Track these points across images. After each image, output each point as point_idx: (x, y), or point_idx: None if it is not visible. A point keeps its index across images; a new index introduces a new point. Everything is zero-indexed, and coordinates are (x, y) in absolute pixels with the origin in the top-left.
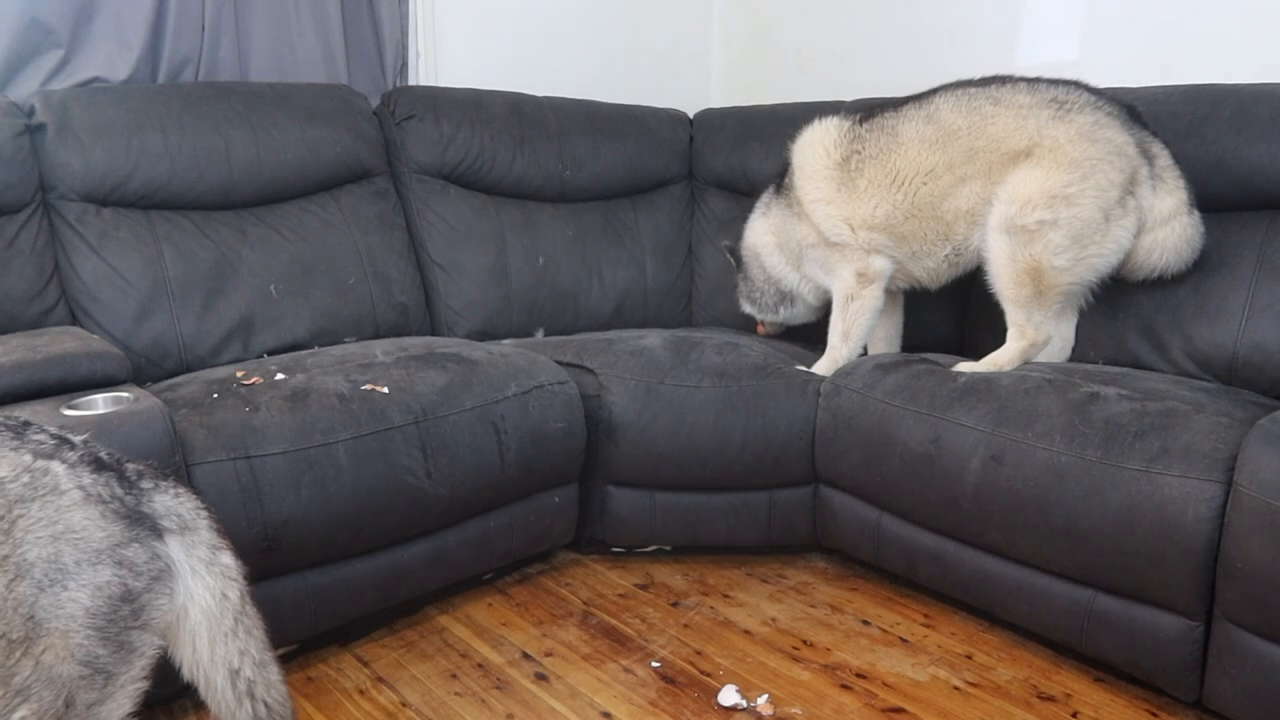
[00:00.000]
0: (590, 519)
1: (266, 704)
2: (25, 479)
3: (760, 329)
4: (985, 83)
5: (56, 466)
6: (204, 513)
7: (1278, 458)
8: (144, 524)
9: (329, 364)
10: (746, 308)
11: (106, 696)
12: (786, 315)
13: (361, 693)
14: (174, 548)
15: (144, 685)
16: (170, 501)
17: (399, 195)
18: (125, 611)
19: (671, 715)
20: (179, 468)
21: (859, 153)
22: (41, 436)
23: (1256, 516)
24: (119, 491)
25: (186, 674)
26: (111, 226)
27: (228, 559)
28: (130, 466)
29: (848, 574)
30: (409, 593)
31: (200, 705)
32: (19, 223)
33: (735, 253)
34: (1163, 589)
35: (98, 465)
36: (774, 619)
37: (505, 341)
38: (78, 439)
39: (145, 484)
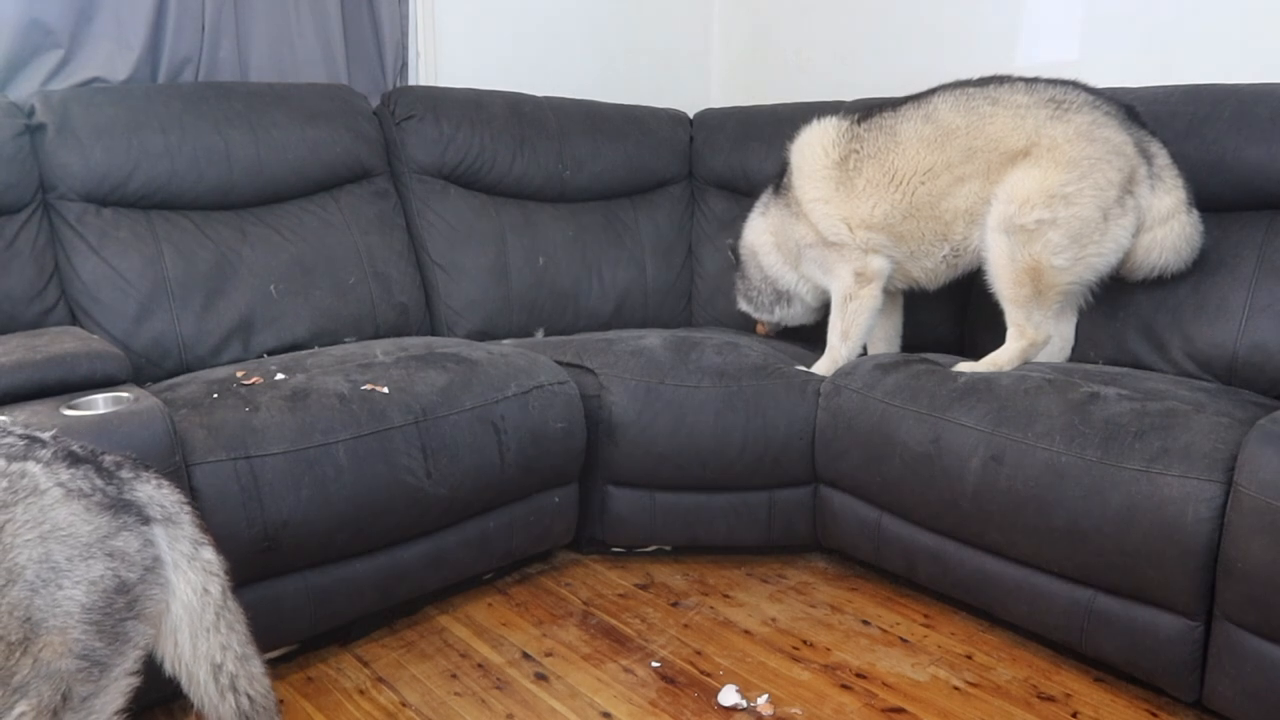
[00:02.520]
0: (590, 519)
1: (250, 697)
2: (3, 484)
3: (760, 329)
4: (983, 83)
5: (32, 467)
6: (186, 506)
7: (1278, 458)
8: (130, 511)
9: (329, 364)
10: (743, 305)
11: (101, 689)
12: (782, 315)
13: (361, 693)
14: (159, 537)
15: (135, 680)
16: (153, 491)
17: (399, 195)
18: (120, 603)
19: (671, 715)
20: (179, 468)
21: (857, 152)
22: (10, 439)
23: (1256, 516)
24: (99, 483)
25: (169, 669)
26: (111, 226)
27: (209, 554)
28: (107, 458)
29: (848, 574)
30: (409, 593)
31: None
32: (19, 223)
33: (736, 251)
34: (1163, 589)
35: (73, 459)
36: (774, 619)
37: (505, 341)
38: (47, 435)
39: (125, 474)
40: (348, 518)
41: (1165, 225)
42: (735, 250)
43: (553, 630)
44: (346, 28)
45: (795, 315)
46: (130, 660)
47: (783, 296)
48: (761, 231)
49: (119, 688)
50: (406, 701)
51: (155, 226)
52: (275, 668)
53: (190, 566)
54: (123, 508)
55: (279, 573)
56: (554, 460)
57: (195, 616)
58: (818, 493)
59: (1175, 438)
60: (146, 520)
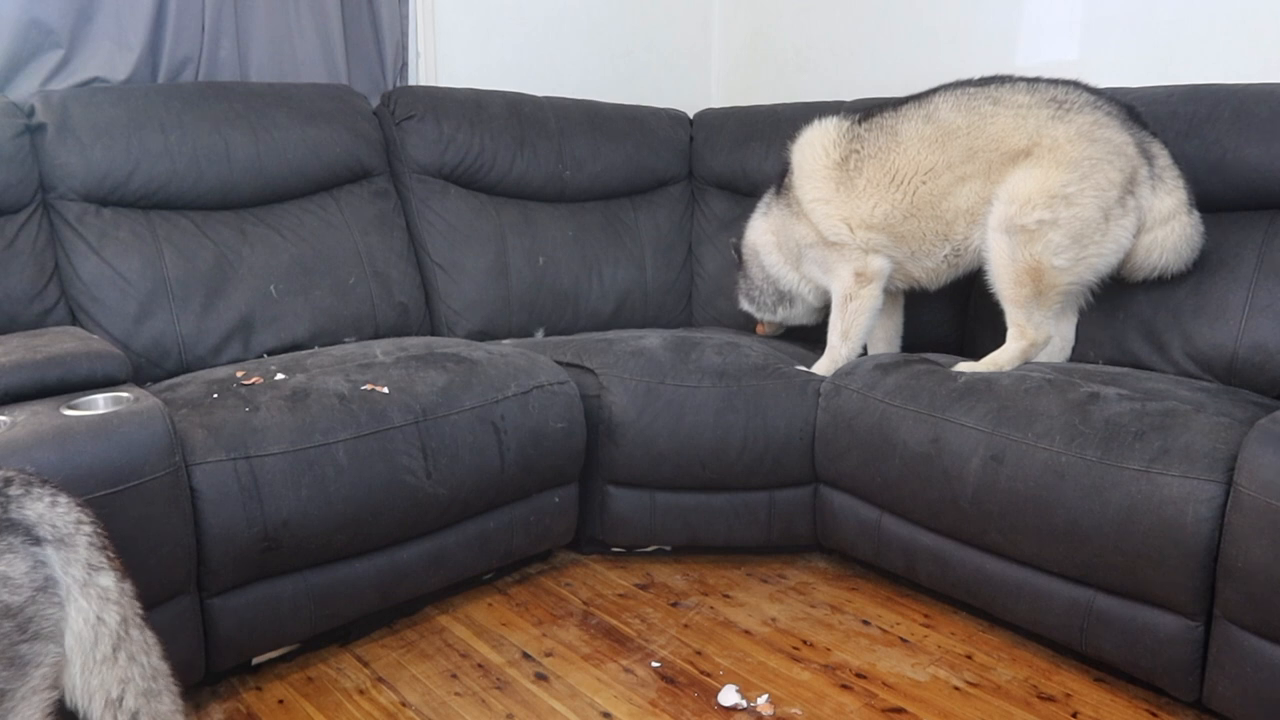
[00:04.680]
0: (590, 519)
1: None
2: None
3: (760, 329)
4: (985, 82)
5: None
6: (86, 526)
7: (1278, 458)
8: (15, 532)
9: (329, 364)
10: (745, 305)
11: (6, 712)
12: (784, 315)
13: (361, 693)
14: (52, 557)
15: (53, 694)
16: (44, 509)
17: (399, 195)
18: (7, 628)
19: (671, 715)
20: (179, 468)
21: (858, 152)
22: None
23: (1256, 516)
24: None
25: (68, 701)
26: (111, 226)
27: (107, 580)
28: None
29: (848, 574)
30: (409, 593)
31: (200, 706)
32: (19, 223)
33: (739, 250)
34: (1163, 589)
35: None
36: (774, 619)
37: (505, 341)
38: None
39: (14, 490)
40: (348, 518)
41: (1166, 226)
42: (738, 249)
43: (553, 630)
44: (346, 28)
45: (797, 315)
46: (36, 679)
47: (784, 297)
48: (763, 231)
49: (32, 706)
50: (406, 701)
51: (155, 226)
52: (275, 667)
53: (82, 593)
54: (7, 528)
55: (279, 573)
56: (554, 460)
57: (87, 648)
58: (818, 493)
59: (1175, 438)
60: (37, 540)
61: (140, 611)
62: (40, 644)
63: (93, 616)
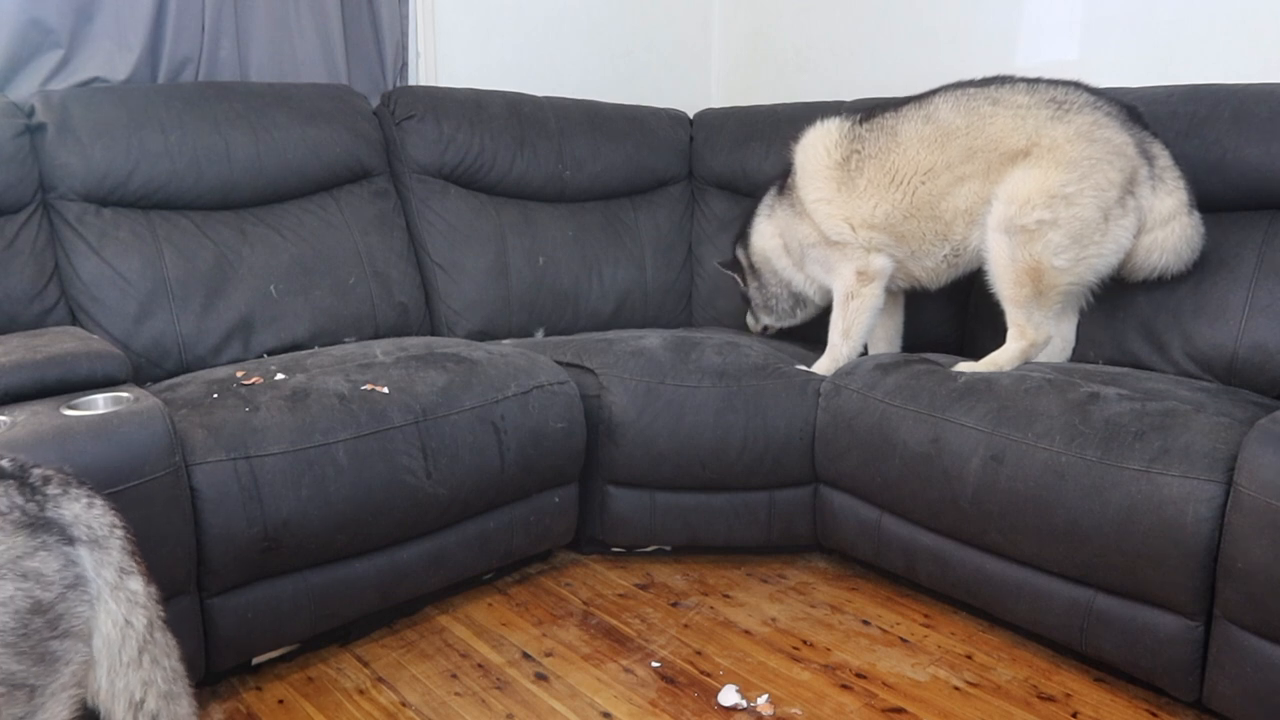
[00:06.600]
0: (590, 519)
1: None
2: None
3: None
4: (985, 83)
5: None
6: (119, 530)
7: (1278, 458)
8: (50, 530)
9: (329, 364)
10: (765, 319)
11: (36, 708)
12: (803, 317)
13: (361, 693)
14: (84, 557)
15: (80, 692)
16: (80, 510)
17: (399, 195)
18: (38, 624)
19: (671, 715)
20: (179, 468)
21: (859, 152)
22: None
23: (1256, 516)
24: (19, 500)
25: (89, 701)
26: (111, 226)
27: (136, 584)
28: (36, 472)
29: (848, 574)
30: (409, 593)
31: (200, 706)
32: (19, 223)
33: (738, 264)
34: (1163, 589)
35: None
36: (774, 619)
37: (505, 341)
38: None
39: (52, 490)
40: (348, 518)
41: (1166, 227)
42: (737, 264)
43: (553, 630)
44: (346, 28)
45: (807, 317)
46: (66, 676)
47: (799, 300)
48: (771, 235)
49: (60, 703)
50: (406, 701)
51: (155, 226)
52: (275, 667)
53: (113, 596)
54: (42, 526)
55: (279, 573)
56: (554, 460)
57: (114, 650)
58: (818, 493)
59: (1175, 438)
60: (70, 540)
61: (162, 614)
62: (70, 642)
63: (121, 620)
